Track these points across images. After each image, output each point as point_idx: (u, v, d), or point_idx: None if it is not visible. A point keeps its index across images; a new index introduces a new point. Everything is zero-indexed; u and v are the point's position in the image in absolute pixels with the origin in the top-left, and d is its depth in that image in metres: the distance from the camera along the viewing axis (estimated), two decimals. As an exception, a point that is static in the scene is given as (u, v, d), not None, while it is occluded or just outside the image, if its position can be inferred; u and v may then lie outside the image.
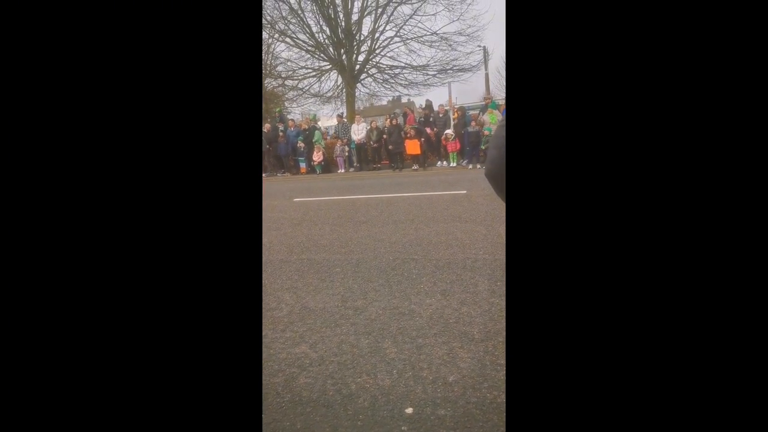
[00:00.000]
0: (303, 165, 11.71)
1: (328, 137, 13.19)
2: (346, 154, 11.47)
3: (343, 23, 15.64)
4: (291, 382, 1.61)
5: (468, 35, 15.19)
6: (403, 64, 15.92)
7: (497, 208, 4.41)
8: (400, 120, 10.97)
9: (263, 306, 2.36)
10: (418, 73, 15.85)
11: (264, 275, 2.90)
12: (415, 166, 10.30)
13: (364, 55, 16.06)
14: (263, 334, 2.02)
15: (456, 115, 10.27)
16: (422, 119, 10.73)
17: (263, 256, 3.34)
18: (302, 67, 16.57)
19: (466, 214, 4.44)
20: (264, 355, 1.82)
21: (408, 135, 10.23)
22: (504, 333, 1.85)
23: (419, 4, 15.14)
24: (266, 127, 12.08)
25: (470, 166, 9.58)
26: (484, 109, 10.21)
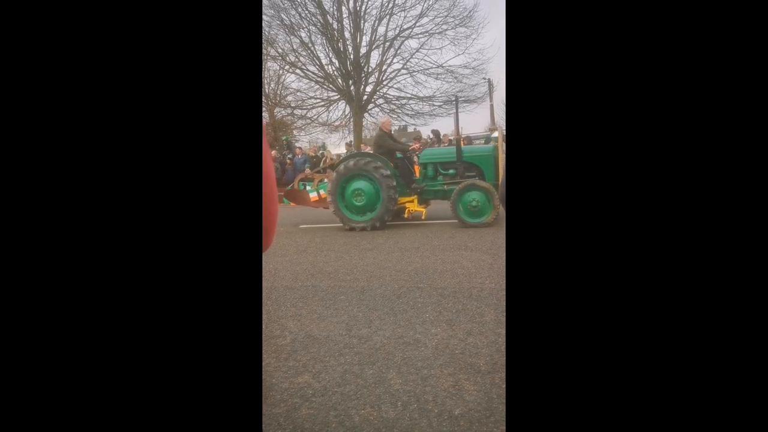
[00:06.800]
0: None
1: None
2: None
3: (351, 56, 16.14)
4: (293, 413, 1.57)
5: (473, 68, 15.59)
6: (409, 95, 16.30)
7: (503, 236, 4.39)
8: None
9: (267, 334, 2.34)
10: (424, 103, 16.20)
11: (268, 302, 2.88)
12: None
13: (371, 86, 16.48)
14: (266, 362, 1.99)
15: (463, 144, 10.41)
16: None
17: (269, 282, 3.33)
18: (311, 97, 17.01)
19: (472, 243, 4.42)
20: (266, 385, 1.78)
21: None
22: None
23: (426, 38, 15.65)
24: (273, 153, 12.33)
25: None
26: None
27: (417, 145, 7.10)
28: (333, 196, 5.75)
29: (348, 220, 5.70)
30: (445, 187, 5.74)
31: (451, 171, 5.81)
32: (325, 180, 6.81)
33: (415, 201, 5.94)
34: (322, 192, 6.51)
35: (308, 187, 6.94)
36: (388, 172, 5.57)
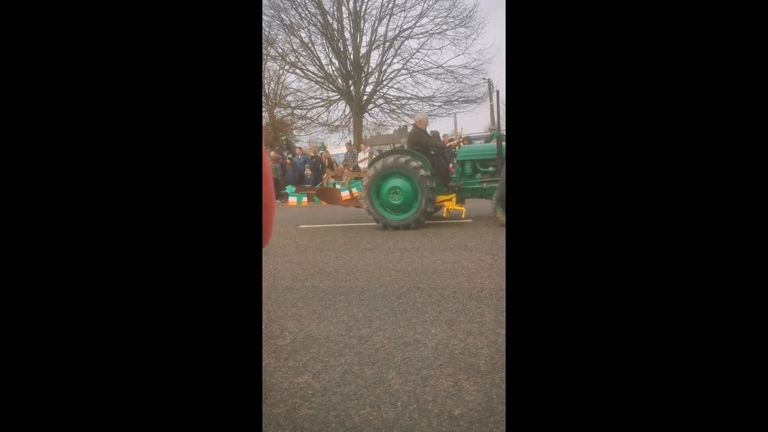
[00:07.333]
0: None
1: (339, 165, 13.36)
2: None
3: (351, 56, 16.14)
4: (293, 413, 1.57)
5: (473, 68, 15.60)
6: (409, 95, 16.31)
7: (503, 237, 4.39)
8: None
9: (266, 334, 2.34)
10: (424, 104, 16.21)
11: (268, 302, 2.88)
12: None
13: (371, 86, 16.49)
14: (266, 363, 1.99)
15: (462, 144, 10.41)
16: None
17: (268, 282, 3.33)
18: (311, 98, 17.02)
19: (472, 243, 4.42)
20: (266, 385, 1.78)
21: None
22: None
23: (426, 38, 15.66)
24: (272, 154, 12.32)
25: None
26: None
27: (454, 142, 6.80)
28: (368, 195, 5.54)
29: (384, 219, 5.50)
30: (485, 185, 5.51)
31: (490, 168, 5.58)
32: (353, 178, 6.57)
33: (454, 199, 5.73)
34: (354, 190, 6.22)
35: (338, 186, 6.63)
36: (427, 170, 5.36)
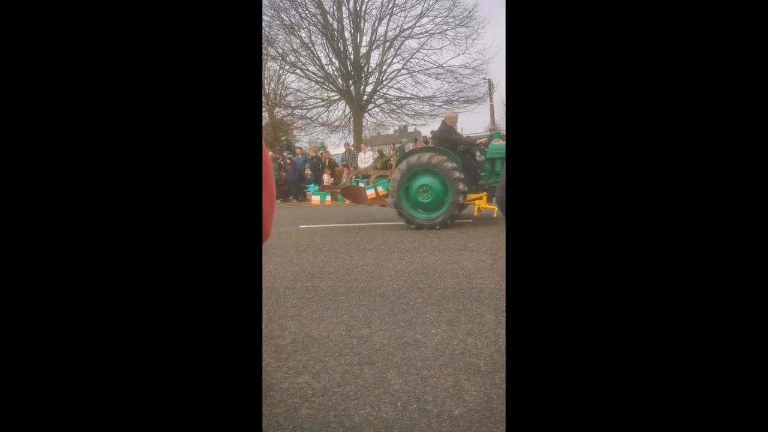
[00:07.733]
0: (310, 192, 11.77)
1: (339, 165, 13.37)
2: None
3: (352, 56, 16.16)
4: (293, 413, 1.58)
5: (473, 68, 15.62)
6: (409, 95, 16.33)
7: (503, 237, 4.39)
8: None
9: (266, 334, 2.34)
10: (424, 104, 16.23)
11: (268, 302, 2.88)
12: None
13: (371, 86, 16.51)
14: (266, 363, 1.99)
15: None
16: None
17: (268, 283, 3.33)
18: (311, 98, 17.04)
19: (473, 243, 4.42)
20: (266, 385, 1.78)
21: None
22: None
23: (426, 38, 15.67)
24: (270, 154, 12.36)
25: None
26: (489, 138, 10.36)
27: (484, 139, 6.68)
28: (397, 194, 5.40)
29: (417, 221, 5.39)
30: None
31: None
32: (378, 176, 6.34)
33: (484, 198, 5.62)
34: (380, 189, 6.06)
35: (361, 184, 6.46)
36: (457, 168, 5.27)
